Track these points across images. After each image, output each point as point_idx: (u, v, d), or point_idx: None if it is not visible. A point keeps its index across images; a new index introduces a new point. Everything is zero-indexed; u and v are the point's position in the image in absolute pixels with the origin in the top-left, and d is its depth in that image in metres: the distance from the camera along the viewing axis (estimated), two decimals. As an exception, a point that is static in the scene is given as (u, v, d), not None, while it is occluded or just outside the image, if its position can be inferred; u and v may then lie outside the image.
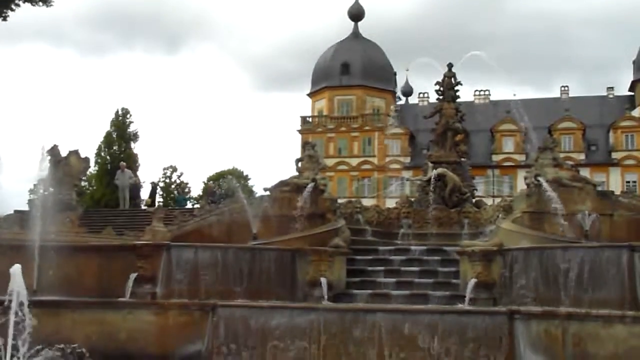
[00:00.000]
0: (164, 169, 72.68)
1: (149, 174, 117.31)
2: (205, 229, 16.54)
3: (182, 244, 14.24)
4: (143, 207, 27.93)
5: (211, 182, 42.79)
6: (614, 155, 68.83)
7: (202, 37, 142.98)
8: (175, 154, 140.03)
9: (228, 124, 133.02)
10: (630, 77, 73.66)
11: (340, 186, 68.46)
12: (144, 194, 33.12)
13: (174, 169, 72.83)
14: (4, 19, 25.55)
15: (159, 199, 62.24)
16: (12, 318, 9.67)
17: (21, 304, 9.60)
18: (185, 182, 72.69)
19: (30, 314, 9.65)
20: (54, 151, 17.16)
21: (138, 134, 59.94)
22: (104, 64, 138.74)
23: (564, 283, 12.15)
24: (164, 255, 13.40)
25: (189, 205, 41.93)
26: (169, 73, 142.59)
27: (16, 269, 9.90)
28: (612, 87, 76.01)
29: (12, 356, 9.55)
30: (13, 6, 24.96)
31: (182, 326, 11.83)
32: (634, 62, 72.87)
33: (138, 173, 43.76)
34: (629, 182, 66.09)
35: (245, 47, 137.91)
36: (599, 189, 16.77)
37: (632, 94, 73.04)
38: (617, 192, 17.82)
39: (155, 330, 11.84)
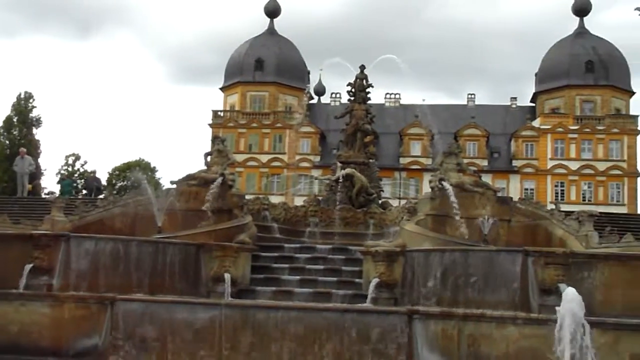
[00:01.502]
0: (67, 156, 70.38)
1: (51, 161, 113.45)
2: (108, 220, 16.16)
3: (83, 235, 13.80)
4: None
5: (92, 172, 41.41)
6: (515, 163, 71.26)
7: (118, 24, 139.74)
8: (81, 143, 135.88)
9: (139, 114, 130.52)
10: (532, 89, 76.66)
11: (249, 182, 68.25)
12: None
13: (77, 157, 70.54)
14: None
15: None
16: None
17: None
18: (89, 171, 70.57)
19: None
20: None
21: (41, 119, 58.08)
22: (13, 46, 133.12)
23: (463, 285, 12.47)
24: (63, 246, 12.90)
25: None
26: (80, 59, 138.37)
27: None
28: (515, 98, 78.94)
29: None
30: None
31: (78, 320, 11.40)
32: (536, 75, 75.87)
33: (39, 160, 42.31)
34: (527, 189, 68.61)
35: (161, 37, 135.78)
36: (499, 195, 17.28)
37: (534, 105, 75.99)
38: (516, 199, 18.37)
39: (50, 323, 11.36)
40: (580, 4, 74.88)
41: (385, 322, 11.07)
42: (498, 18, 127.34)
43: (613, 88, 71.68)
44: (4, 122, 55.80)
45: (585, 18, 75.41)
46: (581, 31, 74.78)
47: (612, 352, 9.84)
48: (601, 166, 69.41)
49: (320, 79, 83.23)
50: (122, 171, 71.82)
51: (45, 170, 56.45)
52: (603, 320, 10.17)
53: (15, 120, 56.06)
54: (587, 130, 70.08)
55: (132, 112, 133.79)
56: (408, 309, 11.48)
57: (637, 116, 71.13)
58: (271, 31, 78.37)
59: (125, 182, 69.36)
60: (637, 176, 67.96)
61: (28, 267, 12.54)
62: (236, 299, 12.89)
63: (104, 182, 64.81)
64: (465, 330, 10.81)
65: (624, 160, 69.28)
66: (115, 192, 54.62)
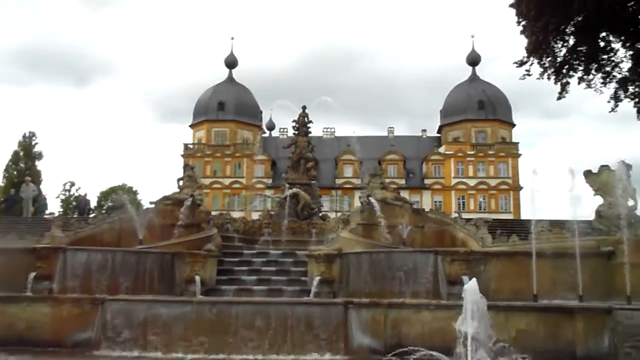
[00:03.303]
0: (64, 183, 68.35)
1: (51, 188, 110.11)
2: (98, 235, 15.77)
3: (77, 247, 13.53)
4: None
5: (84, 194, 40.39)
6: (426, 181, 72.26)
7: (109, 75, 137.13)
8: (76, 172, 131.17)
9: (124, 147, 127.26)
10: (438, 123, 78.14)
11: (214, 201, 67.38)
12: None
13: (73, 184, 68.59)
14: None
15: (60, 209, 58.75)
16: None
17: None
18: (82, 195, 68.32)
19: None
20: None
21: (43, 153, 56.56)
22: (22, 94, 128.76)
23: (388, 279, 12.57)
24: (61, 257, 12.70)
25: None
26: (77, 104, 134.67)
27: None
28: (425, 130, 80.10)
29: None
30: None
31: (74, 317, 11.10)
32: (441, 112, 77.39)
33: (41, 187, 40.95)
34: (436, 201, 69.48)
35: (144, 85, 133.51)
36: (414, 207, 17.48)
37: (440, 135, 77.40)
38: (427, 210, 18.58)
39: (51, 320, 11.03)
40: (472, 57, 76.97)
41: (326, 311, 11.09)
42: (412, 68, 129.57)
43: (499, 121, 73.44)
44: (12, 156, 54.16)
45: (476, 67, 77.39)
46: (474, 77, 76.59)
47: (504, 328, 10.06)
48: (492, 182, 70.92)
49: (270, 117, 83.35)
50: (109, 194, 70.02)
51: (46, 195, 54.68)
52: (496, 304, 10.41)
53: (21, 154, 54.46)
54: (481, 154, 71.67)
55: (119, 145, 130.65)
56: (344, 301, 11.51)
57: (518, 143, 73.12)
58: (230, 79, 78.06)
59: (111, 203, 67.59)
60: (520, 190, 69.63)
61: (32, 274, 12.38)
62: (205, 297, 12.71)
63: (94, 203, 63.08)
64: (389, 316, 10.90)
65: (509, 178, 70.97)
66: (103, 211, 53.20)
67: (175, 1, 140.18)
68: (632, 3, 13.46)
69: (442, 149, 73.46)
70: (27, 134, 56.24)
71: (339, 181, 71.57)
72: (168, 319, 10.88)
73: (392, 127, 79.99)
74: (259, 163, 72.72)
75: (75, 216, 29.93)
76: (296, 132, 21.35)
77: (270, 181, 70.56)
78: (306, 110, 21.35)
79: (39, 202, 26.41)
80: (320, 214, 20.22)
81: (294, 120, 21.42)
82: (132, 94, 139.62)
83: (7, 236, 14.95)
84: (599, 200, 14.34)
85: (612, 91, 15.66)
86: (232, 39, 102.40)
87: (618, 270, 11.92)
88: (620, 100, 15.58)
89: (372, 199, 16.30)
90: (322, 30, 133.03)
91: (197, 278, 13.20)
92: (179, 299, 12.27)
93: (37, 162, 55.33)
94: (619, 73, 15.38)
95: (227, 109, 74.97)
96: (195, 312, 10.98)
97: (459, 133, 74.12)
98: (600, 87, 15.59)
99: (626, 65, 15.31)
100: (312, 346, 10.62)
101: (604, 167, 14.14)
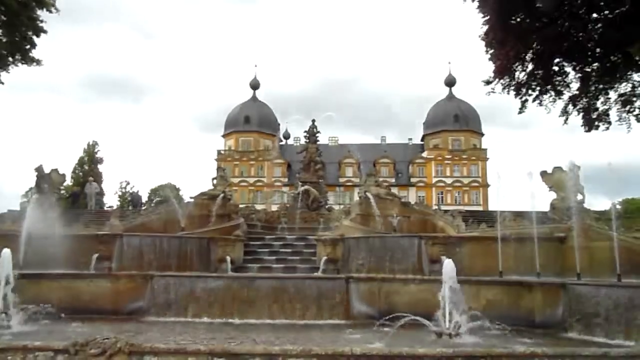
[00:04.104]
0: (120, 182, 68.69)
1: (110, 186, 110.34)
2: (148, 223, 15.83)
3: (131, 234, 13.57)
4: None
5: (137, 190, 40.57)
6: (412, 180, 72.09)
7: (160, 94, 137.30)
8: (130, 173, 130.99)
9: (170, 153, 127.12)
10: (421, 133, 77.84)
11: (241, 196, 67.53)
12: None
13: (128, 183, 68.86)
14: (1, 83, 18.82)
15: (117, 203, 58.98)
16: (2, 285, 8.91)
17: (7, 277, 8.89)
18: (135, 191, 68.56)
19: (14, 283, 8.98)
20: (39, 168, 15.87)
21: (103, 158, 56.87)
22: (88, 109, 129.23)
23: (381, 259, 12.54)
24: (118, 242, 12.76)
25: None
26: (133, 117, 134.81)
27: (6, 252, 9.08)
28: (411, 138, 79.79)
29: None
30: (10, 67, 18.67)
31: (129, 290, 11.13)
32: (424, 124, 77.14)
33: (102, 185, 41.03)
34: (420, 196, 69.26)
35: (186, 103, 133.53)
36: (403, 200, 17.46)
37: (423, 142, 77.16)
38: (413, 203, 18.52)
39: (110, 293, 11.06)
40: (449, 80, 76.63)
41: (332, 285, 11.06)
42: (400, 89, 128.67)
43: (471, 131, 73.23)
44: (78, 160, 54.46)
45: (453, 88, 77.05)
46: (450, 96, 76.30)
47: (475, 298, 10.01)
48: (466, 181, 70.70)
49: (287, 128, 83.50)
50: (157, 190, 70.29)
51: (106, 191, 54.93)
52: (469, 279, 10.36)
53: (85, 159, 54.75)
54: (456, 158, 71.44)
55: (165, 151, 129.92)
56: (346, 276, 11.48)
57: (486, 149, 72.83)
58: (254, 98, 78.21)
59: (159, 198, 67.83)
60: (488, 187, 69.33)
61: (95, 256, 12.43)
62: (235, 273, 12.73)
63: (145, 198, 63.26)
64: (383, 288, 10.86)
65: (479, 177, 70.71)
66: (153, 204, 53.40)
67: (210, 36, 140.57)
68: (581, 34, 13.38)
69: (424, 154, 73.21)
70: (90, 143, 56.60)
71: (341, 180, 71.42)
72: (205, 291, 10.88)
73: (385, 136, 79.93)
74: (277, 166, 72.82)
75: (130, 208, 30.00)
76: (307, 141, 21.38)
77: (286, 180, 70.49)
78: (315, 123, 21.42)
79: (96, 198, 26.47)
80: (327, 207, 20.23)
81: (305, 131, 21.49)
82: (175, 109, 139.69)
83: (75, 225, 15.04)
84: (553, 195, 14.26)
85: (560, 107, 15.63)
86: (256, 66, 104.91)
87: (569, 252, 11.84)
88: (569, 114, 15.49)
89: (368, 194, 16.29)
90: (328, 58, 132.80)
91: (228, 258, 13.23)
92: (214, 274, 12.28)
93: (99, 166, 55.56)
94: (569, 92, 15.32)
95: (251, 122, 75.21)
96: (227, 285, 10.98)
97: (438, 141, 73.86)
98: (551, 104, 15.55)
99: (575, 85, 15.25)
100: (320, 313, 10.58)
101: (557, 168, 14.07)
